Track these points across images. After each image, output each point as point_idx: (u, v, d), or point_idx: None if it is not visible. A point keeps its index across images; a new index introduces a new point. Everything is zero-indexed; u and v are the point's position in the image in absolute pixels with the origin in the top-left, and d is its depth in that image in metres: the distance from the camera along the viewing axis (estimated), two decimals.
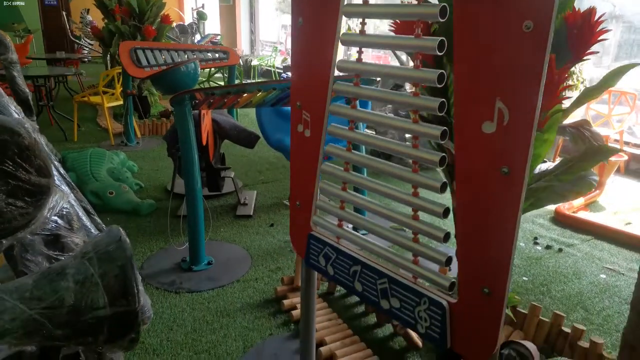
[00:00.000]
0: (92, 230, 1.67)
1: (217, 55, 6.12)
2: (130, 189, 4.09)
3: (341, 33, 1.51)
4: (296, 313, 2.50)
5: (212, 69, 8.69)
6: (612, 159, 4.33)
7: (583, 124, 1.81)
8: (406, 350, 2.30)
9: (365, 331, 2.44)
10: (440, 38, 1.25)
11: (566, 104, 1.88)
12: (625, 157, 4.81)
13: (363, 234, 1.62)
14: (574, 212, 3.91)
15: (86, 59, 12.68)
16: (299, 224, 1.86)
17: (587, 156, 1.68)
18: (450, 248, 1.88)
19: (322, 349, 2.21)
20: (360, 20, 1.48)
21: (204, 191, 3.63)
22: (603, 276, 3.06)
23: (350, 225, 1.67)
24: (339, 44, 1.57)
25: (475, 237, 1.25)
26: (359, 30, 1.47)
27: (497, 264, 1.23)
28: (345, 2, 1.47)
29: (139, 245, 3.33)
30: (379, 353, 2.25)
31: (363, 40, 1.47)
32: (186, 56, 5.73)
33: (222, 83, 9.14)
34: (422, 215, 1.40)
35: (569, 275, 3.07)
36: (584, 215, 3.89)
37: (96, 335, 1.14)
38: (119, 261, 1.16)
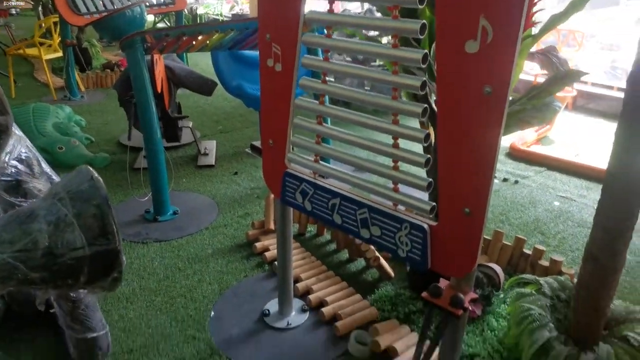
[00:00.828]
0: (54, 177, 1.57)
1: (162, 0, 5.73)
2: (80, 143, 3.87)
3: None
4: (269, 254, 2.51)
5: (156, 17, 8.16)
6: (561, 94, 4.50)
7: (550, 50, 1.84)
8: (379, 280, 2.38)
9: (338, 267, 2.50)
10: None
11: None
12: (574, 93, 5.02)
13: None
14: (527, 147, 4.07)
15: (14, 11, 11.60)
16: (273, 163, 1.83)
17: (555, 81, 1.72)
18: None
19: (298, 285, 2.25)
20: None
21: (162, 142, 3.49)
22: (557, 203, 3.25)
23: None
24: None
25: (457, 158, 1.27)
26: None
27: (478, 183, 1.25)
28: None
29: None
30: (354, 285, 2.31)
31: None
32: (128, 1, 5.33)
33: None
34: (402, 143, 1.40)
35: (525, 204, 3.24)
36: (536, 149, 4.07)
37: (76, 276, 1.09)
38: (94, 200, 1.10)
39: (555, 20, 1.75)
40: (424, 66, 1.30)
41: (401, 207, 1.47)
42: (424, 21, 1.27)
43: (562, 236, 2.84)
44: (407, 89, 1.40)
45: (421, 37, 1.28)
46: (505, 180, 3.61)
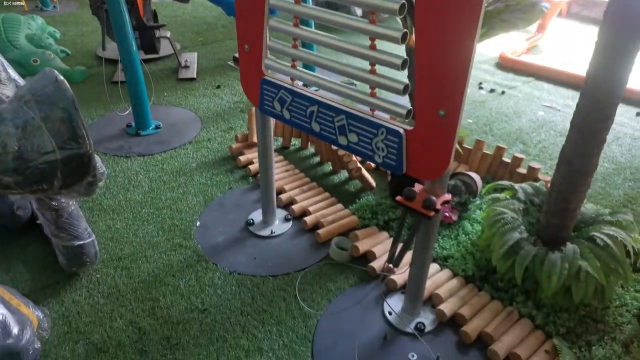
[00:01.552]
0: (20, 82, 1.52)
1: None
2: (56, 56, 3.71)
3: None
4: (253, 167, 2.53)
5: None
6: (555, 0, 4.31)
7: None
8: (361, 191, 2.42)
9: (322, 178, 2.53)
10: None
11: None
12: None
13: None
14: (517, 56, 3.98)
15: None
16: (250, 70, 1.77)
17: None
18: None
19: (282, 196, 2.29)
20: None
21: (140, 55, 3.35)
22: (541, 113, 3.25)
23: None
24: None
25: (433, 60, 1.24)
26: None
27: (453, 84, 1.23)
28: None
29: None
30: (336, 195, 2.36)
31: None
32: None
33: None
34: (380, 45, 1.35)
35: (510, 114, 3.23)
36: (526, 58, 3.98)
37: (50, 180, 1.10)
38: (60, 103, 1.07)
39: None
40: None
41: (378, 113, 1.46)
42: None
43: (543, 145, 2.87)
44: None
45: None
46: (492, 91, 3.57)
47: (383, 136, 1.43)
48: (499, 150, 2.43)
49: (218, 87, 3.58)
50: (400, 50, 1.63)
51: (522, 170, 2.34)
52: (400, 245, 1.52)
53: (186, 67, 3.82)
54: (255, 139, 2.73)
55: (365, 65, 1.40)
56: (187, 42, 4.47)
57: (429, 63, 1.25)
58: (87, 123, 2.99)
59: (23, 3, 5.27)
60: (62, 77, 1.11)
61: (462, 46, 1.17)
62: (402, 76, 1.59)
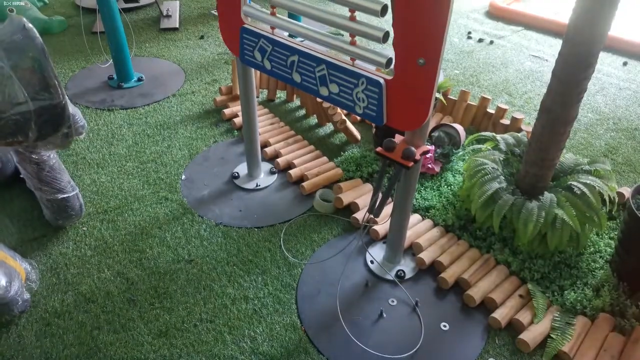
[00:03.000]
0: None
1: None
2: (32, 6, 3.57)
3: None
4: (238, 120, 2.51)
5: None
6: None
7: None
8: (346, 144, 2.43)
9: (307, 131, 2.53)
10: None
11: None
12: None
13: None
14: (508, 4, 3.90)
15: None
16: (228, 18, 1.73)
17: None
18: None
19: (267, 149, 2.29)
20: None
21: (119, 4, 3.23)
22: (529, 63, 3.22)
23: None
24: None
25: (412, 7, 1.21)
26: None
27: (432, 31, 1.22)
28: None
29: (57, 66, 3.05)
30: (321, 149, 2.37)
31: None
32: None
33: None
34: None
35: (497, 65, 3.20)
36: (516, 6, 3.90)
37: (25, 132, 1.09)
38: (29, 52, 1.04)
39: None
40: None
41: (359, 63, 1.44)
42: None
43: (529, 96, 2.87)
44: None
45: None
46: (480, 40, 3.51)
47: (363, 86, 1.42)
48: (483, 101, 2.43)
49: (201, 37, 3.48)
50: None
51: (506, 121, 2.35)
52: (380, 196, 1.55)
53: (168, 16, 3.70)
54: (239, 92, 2.69)
55: (346, 13, 1.37)
56: None
57: (407, 10, 1.22)
58: (67, 75, 2.94)
59: None
60: (30, 25, 1.07)
61: None
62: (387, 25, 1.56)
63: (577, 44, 1.52)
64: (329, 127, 2.56)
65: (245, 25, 1.66)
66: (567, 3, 4.01)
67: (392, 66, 1.35)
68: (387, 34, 1.32)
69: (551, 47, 3.43)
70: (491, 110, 2.42)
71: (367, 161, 2.22)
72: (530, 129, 2.25)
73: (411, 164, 1.39)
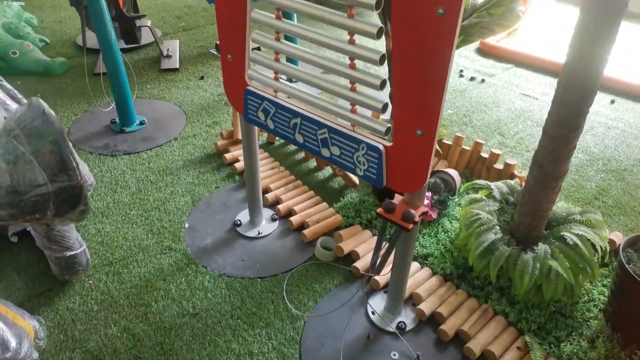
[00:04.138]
0: (7, 102, 1.53)
1: None
2: (35, 47, 3.65)
3: None
4: (239, 165, 2.57)
5: None
6: None
7: None
8: (345, 188, 2.49)
9: (306, 175, 2.59)
10: None
11: None
12: None
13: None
14: (497, 42, 4.02)
15: None
16: (233, 79, 1.80)
17: None
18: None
19: (268, 195, 2.35)
20: None
21: (120, 44, 3.31)
22: (520, 102, 3.32)
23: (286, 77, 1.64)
24: None
25: (410, 81, 1.29)
26: None
27: (429, 106, 1.29)
28: None
29: (60, 109, 3.12)
30: (320, 193, 2.43)
31: None
32: None
33: None
34: (358, 64, 1.39)
35: (489, 104, 3.30)
36: (506, 44, 4.02)
37: (43, 211, 1.14)
38: (49, 136, 1.10)
39: None
40: None
41: (359, 128, 1.51)
42: None
43: (520, 136, 2.96)
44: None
45: None
46: (472, 79, 3.62)
47: (364, 151, 1.49)
48: (477, 146, 2.50)
49: (201, 77, 3.57)
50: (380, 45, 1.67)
51: (499, 165, 2.42)
52: (381, 253, 1.60)
53: (168, 56, 3.79)
54: (240, 136, 2.76)
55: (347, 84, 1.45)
56: (168, 28, 4.41)
57: (404, 85, 1.30)
58: (70, 119, 3.00)
59: None
60: (49, 110, 1.13)
61: (437, 72, 1.22)
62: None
63: (566, 105, 1.61)
64: (327, 171, 2.62)
65: (249, 88, 1.73)
66: (554, 38, 4.15)
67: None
68: (386, 105, 1.39)
69: (541, 85, 3.54)
70: (485, 154, 2.49)
71: (366, 207, 2.28)
72: (523, 175, 2.32)
73: (411, 226, 1.45)
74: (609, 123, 3.09)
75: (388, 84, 1.37)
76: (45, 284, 1.90)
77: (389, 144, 1.44)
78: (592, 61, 1.51)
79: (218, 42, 4.03)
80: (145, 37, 3.97)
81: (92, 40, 3.50)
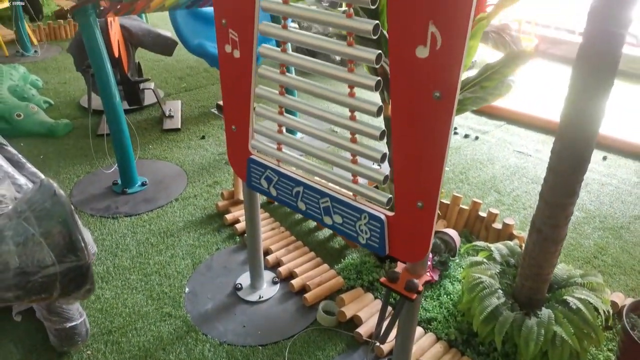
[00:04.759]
0: (17, 177, 1.56)
1: None
2: (39, 109, 3.74)
3: None
4: (240, 226, 2.58)
5: None
6: (524, 44, 4.53)
7: (504, 29, 1.87)
8: (345, 248, 2.50)
9: (306, 235, 2.60)
10: None
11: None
12: (537, 42, 5.06)
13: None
14: None
15: None
16: (237, 148, 1.85)
17: (508, 61, 1.77)
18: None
19: (268, 257, 2.35)
20: None
21: (123, 105, 3.40)
22: (514, 159, 3.40)
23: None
24: None
25: (410, 157, 1.33)
26: None
27: (429, 180, 1.33)
28: None
29: (62, 171, 3.16)
30: (321, 253, 2.43)
31: None
32: None
33: None
34: (359, 137, 1.45)
35: (484, 161, 3.37)
36: (498, 102, 4.14)
37: (50, 291, 1.14)
38: (59, 217, 1.12)
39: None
40: (377, 66, 1.32)
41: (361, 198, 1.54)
42: (377, 22, 1.27)
43: (517, 194, 3.00)
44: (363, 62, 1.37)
45: (372, 7, 1.28)
46: (466, 136, 3.72)
47: (366, 220, 1.52)
48: (475, 205, 2.54)
49: (203, 137, 3.64)
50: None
51: (498, 225, 2.45)
52: (385, 323, 1.59)
53: (170, 116, 3.88)
54: (240, 196, 2.79)
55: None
56: (170, 88, 4.54)
57: (404, 161, 1.34)
58: (72, 181, 3.03)
59: (4, 49, 5.28)
60: (60, 191, 1.16)
61: (435, 149, 1.27)
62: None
63: (561, 174, 1.65)
64: (327, 231, 2.64)
65: (253, 157, 1.78)
66: (545, 95, 4.30)
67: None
68: (386, 178, 1.44)
69: (533, 142, 3.63)
70: (482, 213, 2.52)
71: (367, 268, 2.28)
72: (522, 235, 2.35)
73: (415, 296, 1.46)
74: (603, 180, 3.15)
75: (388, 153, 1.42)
76: (43, 355, 1.85)
77: (390, 213, 1.47)
78: (584, 128, 1.57)
79: (219, 103, 4.15)
80: (148, 98, 4.08)
81: (96, 101, 3.60)
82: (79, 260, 1.15)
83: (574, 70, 1.53)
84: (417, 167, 1.33)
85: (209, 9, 3.57)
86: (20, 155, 2.41)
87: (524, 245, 2.12)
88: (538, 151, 3.50)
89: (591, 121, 1.54)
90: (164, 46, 3.66)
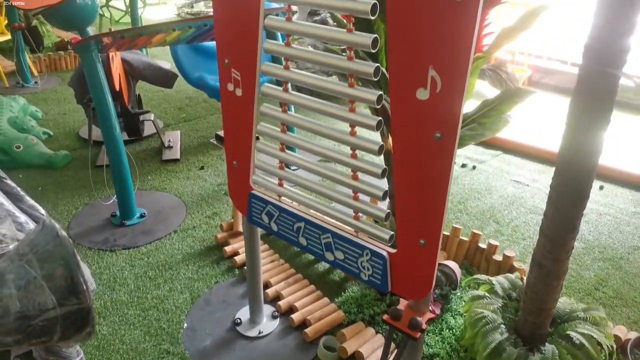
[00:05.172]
0: (17, 214, 1.56)
1: None
2: (39, 140, 3.76)
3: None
4: (239, 258, 2.57)
5: None
6: (518, 75, 4.63)
7: (500, 66, 1.92)
8: (345, 280, 2.48)
9: (306, 267, 2.59)
10: (373, 2, 1.23)
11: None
12: (530, 73, 5.16)
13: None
14: None
15: None
16: (238, 183, 1.86)
17: (505, 99, 1.80)
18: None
19: (268, 291, 2.33)
20: None
21: (123, 136, 3.42)
22: (511, 189, 3.42)
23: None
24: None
25: (411, 196, 1.35)
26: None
27: (431, 218, 1.34)
28: None
29: (60, 202, 3.15)
30: (321, 286, 2.41)
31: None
32: None
33: (122, 6, 8.25)
34: (361, 174, 1.46)
35: (482, 191, 3.39)
36: None
37: (50, 335, 1.13)
38: (61, 260, 1.12)
39: (505, 36, 1.81)
40: (378, 107, 1.34)
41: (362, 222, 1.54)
42: (376, 35, 1.28)
43: (515, 224, 3.01)
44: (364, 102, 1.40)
45: (373, 51, 1.30)
46: (464, 166, 3.75)
47: (368, 257, 1.52)
48: (475, 237, 2.54)
49: (202, 168, 3.66)
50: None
51: (498, 257, 2.45)
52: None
53: (169, 147, 3.90)
54: (240, 228, 2.79)
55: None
56: (170, 118, 4.58)
57: (406, 199, 1.35)
58: (71, 213, 3.02)
59: (4, 80, 5.33)
60: (63, 232, 1.16)
61: (437, 188, 1.28)
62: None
63: (561, 209, 1.67)
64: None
65: (254, 191, 1.78)
66: (541, 125, 4.35)
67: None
68: (388, 215, 1.44)
69: (530, 171, 3.66)
70: (482, 244, 2.52)
71: (368, 301, 2.26)
72: (523, 267, 2.35)
73: (418, 334, 1.45)
74: (600, 209, 3.17)
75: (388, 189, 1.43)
76: None
77: (393, 250, 1.47)
78: (583, 164, 1.59)
79: (218, 133, 4.19)
80: (148, 129, 4.11)
81: (95, 131, 3.62)
82: (80, 303, 1.14)
83: (570, 106, 1.56)
84: (418, 205, 1.34)
85: (209, 43, 3.64)
86: (19, 188, 2.40)
87: (524, 277, 2.12)
88: (535, 180, 3.53)
89: (589, 157, 1.56)
90: (164, 79, 3.70)
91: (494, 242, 2.48)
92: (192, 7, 9.25)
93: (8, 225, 1.43)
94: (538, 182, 3.51)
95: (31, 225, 1.48)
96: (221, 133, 4.15)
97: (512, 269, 2.38)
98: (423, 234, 1.37)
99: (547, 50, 5.66)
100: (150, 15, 8.88)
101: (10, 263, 1.11)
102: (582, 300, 2.41)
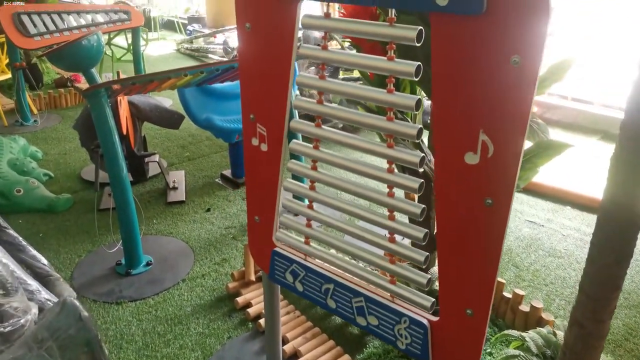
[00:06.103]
0: (29, 282, 1.45)
1: (116, 16, 5.47)
2: (39, 183, 3.65)
3: (299, 48, 1.37)
4: (252, 310, 2.45)
5: (110, 34, 7.80)
6: None
7: (531, 117, 1.86)
8: (365, 334, 2.36)
9: (323, 319, 2.47)
10: (417, 63, 1.18)
11: None
12: (535, 109, 5.17)
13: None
14: None
15: None
16: (259, 239, 1.77)
17: (540, 151, 1.74)
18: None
19: (285, 347, 2.21)
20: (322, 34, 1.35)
21: (129, 178, 3.33)
22: (527, 230, 3.34)
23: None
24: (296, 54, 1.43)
25: (458, 263, 1.26)
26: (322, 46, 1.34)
27: (480, 287, 1.25)
28: (302, 16, 1.32)
29: (62, 250, 3.03)
30: (339, 339, 2.29)
31: (326, 57, 1.34)
32: (81, 19, 5.06)
33: (124, 44, 8.28)
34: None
35: None
36: None
37: None
38: (85, 346, 1.01)
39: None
40: (420, 170, 1.27)
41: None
42: (419, 63, 1.21)
43: (535, 268, 2.92)
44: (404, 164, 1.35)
45: (416, 79, 1.23)
46: None
47: (406, 324, 1.42)
48: (499, 285, 2.45)
49: (208, 210, 3.56)
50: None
51: (525, 307, 2.35)
52: None
53: (174, 188, 3.81)
54: (252, 277, 2.67)
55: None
56: (173, 157, 4.50)
57: (452, 267, 1.27)
58: (74, 262, 2.90)
59: (3, 119, 5.26)
60: (85, 314, 1.06)
61: (487, 256, 1.20)
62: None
63: (604, 267, 1.58)
64: None
65: (277, 249, 1.69)
66: (553, 167, 4.30)
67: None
68: (430, 281, 1.35)
69: (544, 211, 3.60)
70: (507, 293, 2.43)
71: (392, 358, 2.14)
72: (551, 318, 2.25)
73: None
74: None
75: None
76: None
77: (434, 318, 1.37)
78: (631, 220, 1.51)
79: (223, 173, 4.11)
80: (152, 169, 4.02)
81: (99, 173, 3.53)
82: None
83: (614, 157, 1.48)
84: (466, 273, 1.25)
85: (216, 85, 3.60)
86: (20, 238, 2.29)
87: (553, 329, 2.02)
88: (549, 220, 3.46)
89: (637, 212, 1.49)
90: (171, 121, 3.65)
91: (519, 291, 2.38)
92: (192, 42, 9.32)
93: (20, 296, 1.32)
94: (552, 222, 3.44)
95: (43, 293, 1.37)
96: (227, 173, 4.08)
97: (540, 321, 2.28)
98: (470, 304, 1.27)
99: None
100: (151, 51, 8.93)
101: (28, 351, 1.00)
102: (613, 353, 2.30)
